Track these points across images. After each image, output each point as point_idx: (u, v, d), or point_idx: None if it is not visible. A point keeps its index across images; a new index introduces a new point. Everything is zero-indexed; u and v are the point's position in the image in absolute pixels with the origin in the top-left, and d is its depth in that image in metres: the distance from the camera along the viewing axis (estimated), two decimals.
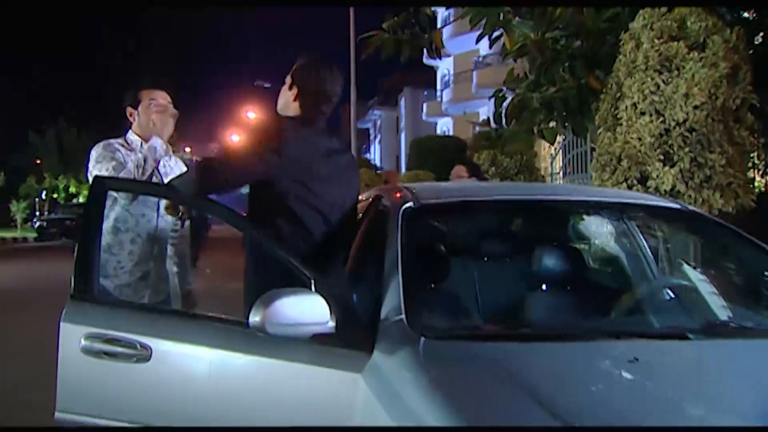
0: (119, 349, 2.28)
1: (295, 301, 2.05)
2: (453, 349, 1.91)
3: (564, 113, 6.35)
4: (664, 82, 4.74)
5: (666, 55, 4.78)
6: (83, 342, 2.29)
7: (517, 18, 6.35)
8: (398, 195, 2.77)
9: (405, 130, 43.11)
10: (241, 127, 52.33)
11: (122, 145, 3.15)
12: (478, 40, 8.50)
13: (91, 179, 3.04)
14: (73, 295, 2.39)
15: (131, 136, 3.20)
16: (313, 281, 2.20)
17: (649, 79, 4.77)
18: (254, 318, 2.01)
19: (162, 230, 3.15)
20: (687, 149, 4.65)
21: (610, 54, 6.01)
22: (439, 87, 38.01)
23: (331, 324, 2.09)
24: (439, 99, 36.97)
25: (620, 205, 2.62)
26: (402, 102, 43.99)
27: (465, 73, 31.94)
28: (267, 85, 35.18)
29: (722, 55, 4.68)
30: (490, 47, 7.10)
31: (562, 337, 1.95)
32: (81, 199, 40.42)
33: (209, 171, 2.62)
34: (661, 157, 4.71)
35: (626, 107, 4.91)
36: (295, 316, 2.03)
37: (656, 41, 4.84)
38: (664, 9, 4.97)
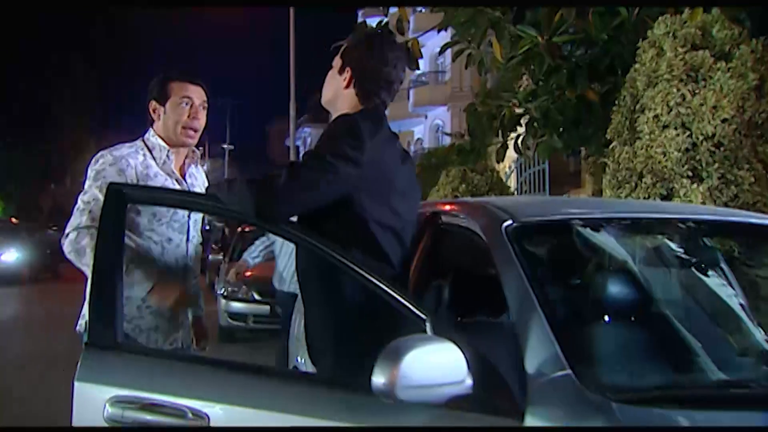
0: (161, 419, 1.68)
1: (428, 354, 1.51)
2: (666, 418, 1.40)
3: (560, 126, 6.01)
4: (690, 92, 4.41)
5: (691, 65, 4.47)
6: (109, 409, 1.68)
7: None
8: (472, 211, 2.27)
9: None
10: None
11: (139, 152, 2.52)
12: (446, 48, 8.13)
13: (81, 203, 2.44)
14: (89, 342, 1.77)
15: (153, 138, 2.57)
16: (428, 324, 1.67)
17: (674, 89, 4.43)
18: (380, 380, 1.46)
19: (192, 258, 2.55)
20: (716, 165, 4.33)
21: (611, 66, 5.72)
22: None
23: (469, 382, 1.55)
24: None
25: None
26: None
27: (400, 92, 31.69)
28: None
29: (750, 66, 4.40)
30: (453, 60, 6.69)
31: None
32: None
33: (273, 192, 1.90)
34: (689, 174, 4.38)
35: (647, 120, 4.56)
36: (431, 375, 1.50)
37: (680, 49, 4.52)
38: (685, 15, 4.67)
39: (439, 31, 7.44)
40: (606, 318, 1.90)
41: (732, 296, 2.07)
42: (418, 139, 32.17)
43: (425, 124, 30.82)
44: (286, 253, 4.48)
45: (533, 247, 2.03)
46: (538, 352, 1.61)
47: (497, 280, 2.18)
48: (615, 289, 1.98)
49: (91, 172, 2.49)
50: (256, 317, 8.16)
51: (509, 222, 2.04)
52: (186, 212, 2.56)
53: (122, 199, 1.95)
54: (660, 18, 4.72)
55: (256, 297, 8.19)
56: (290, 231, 1.90)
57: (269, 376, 1.74)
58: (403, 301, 1.71)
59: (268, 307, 7.96)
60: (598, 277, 2.01)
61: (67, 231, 2.42)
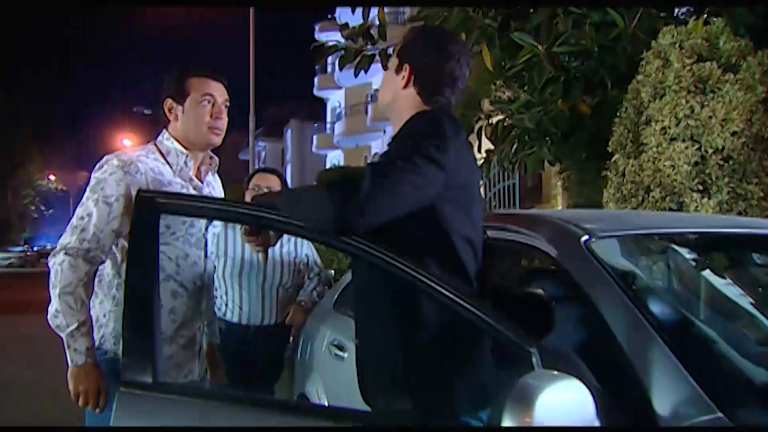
0: None
1: (559, 395, 1.26)
2: None
3: (551, 138, 5.87)
4: (699, 104, 4.30)
5: (699, 76, 4.36)
6: None
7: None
8: (533, 225, 2.04)
9: (291, 162, 42.23)
10: None
11: (150, 156, 2.22)
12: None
13: (75, 218, 2.12)
14: (125, 382, 1.47)
15: (167, 141, 2.26)
16: (535, 356, 1.43)
17: (683, 101, 4.31)
18: (511, 424, 1.21)
19: (210, 277, 2.25)
20: (726, 179, 4.22)
21: (602, 77, 5.60)
22: (329, 119, 37.51)
23: (597, 424, 1.31)
24: (329, 131, 36.44)
25: None
26: (288, 134, 43.13)
27: (358, 106, 31.65)
28: (147, 111, 32.96)
29: (758, 78, 4.32)
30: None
31: None
32: None
33: (359, 196, 1.59)
34: (699, 188, 4.25)
35: (654, 132, 4.43)
36: (563, 419, 1.25)
37: (687, 60, 4.41)
38: (690, 26, 4.58)
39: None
40: (725, 343, 1.68)
41: None
42: (375, 153, 32.04)
43: (383, 138, 30.71)
44: (236, 280, 3.43)
45: (620, 265, 1.81)
46: (670, 390, 1.38)
47: (569, 300, 1.95)
48: (722, 309, 1.77)
49: (92, 180, 2.17)
50: None
51: (587, 237, 1.82)
52: (203, 225, 2.27)
53: (155, 210, 1.65)
54: (665, 28, 4.61)
55: None
56: (362, 246, 1.61)
57: (341, 418, 1.47)
58: (503, 329, 1.46)
59: None
60: (700, 297, 1.80)
61: (56, 249, 2.11)
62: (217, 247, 3.32)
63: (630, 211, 3.84)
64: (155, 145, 2.27)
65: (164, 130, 2.28)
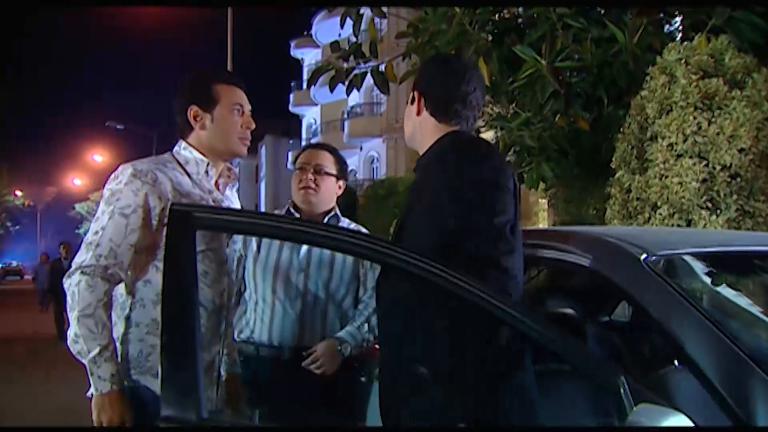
0: None
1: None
2: None
3: (549, 155, 5.80)
4: (706, 121, 4.25)
5: (706, 92, 4.31)
6: None
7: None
8: (579, 243, 1.92)
9: (265, 179, 41.96)
10: (85, 172, 48.55)
11: (168, 166, 2.05)
12: (409, 76, 7.86)
13: (90, 234, 1.95)
14: (166, 418, 1.30)
15: (185, 151, 2.10)
16: (622, 382, 1.31)
17: (690, 117, 4.26)
18: None
19: (231, 295, 2.09)
20: (734, 197, 4.16)
21: (600, 95, 5.55)
22: (304, 136, 37.40)
23: None
24: None
25: None
26: (262, 150, 42.86)
27: (334, 123, 31.59)
28: (120, 126, 32.29)
29: (765, 95, 4.28)
30: (400, 82, 6.42)
31: None
32: None
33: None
34: (708, 205, 4.19)
35: (661, 148, 4.37)
36: None
37: (693, 77, 4.37)
38: (695, 42, 4.54)
39: (404, 58, 7.19)
40: None
41: None
42: (352, 170, 31.95)
43: (360, 155, 30.61)
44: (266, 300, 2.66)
45: (690, 285, 1.70)
46: None
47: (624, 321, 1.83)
48: None
49: (106, 192, 2.00)
50: None
51: (646, 256, 1.71)
52: (225, 239, 2.11)
53: (191, 226, 1.49)
54: (671, 44, 4.58)
55: None
56: (423, 263, 1.46)
57: None
58: (588, 357, 1.33)
59: None
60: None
61: (72, 268, 1.94)
62: (245, 244, 2.69)
63: (657, 228, 3.75)
64: (172, 155, 2.11)
65: (180, 141, 2.12)
